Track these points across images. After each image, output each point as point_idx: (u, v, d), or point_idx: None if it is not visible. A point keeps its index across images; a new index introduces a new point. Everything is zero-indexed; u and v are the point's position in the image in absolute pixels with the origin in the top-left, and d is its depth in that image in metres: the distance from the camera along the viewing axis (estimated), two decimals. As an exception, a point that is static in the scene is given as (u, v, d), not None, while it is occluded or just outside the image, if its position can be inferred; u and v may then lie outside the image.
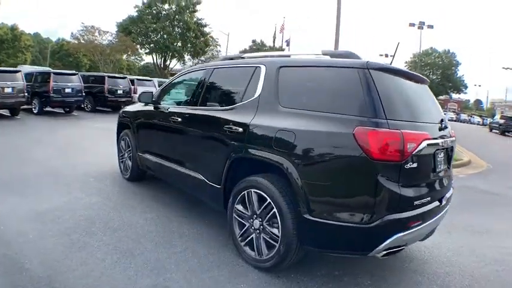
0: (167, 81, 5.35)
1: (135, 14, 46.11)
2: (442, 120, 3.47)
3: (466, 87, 60.66)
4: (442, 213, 3.32)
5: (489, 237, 4.81)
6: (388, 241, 2.74)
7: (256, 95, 3.55)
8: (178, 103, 5.00)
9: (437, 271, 3.67)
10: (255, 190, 3.30)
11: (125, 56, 48.42)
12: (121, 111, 6.16)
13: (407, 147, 2.75)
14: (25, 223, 3.95)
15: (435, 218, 3.18)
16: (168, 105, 4.97)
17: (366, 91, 2.84)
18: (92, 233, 3.84)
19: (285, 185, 3.12)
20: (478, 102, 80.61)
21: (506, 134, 30.33)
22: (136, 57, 51.83)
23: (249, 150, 3.38)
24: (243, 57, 4.37)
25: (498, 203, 6.86)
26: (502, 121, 32.41)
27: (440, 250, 4.14)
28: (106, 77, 17.11)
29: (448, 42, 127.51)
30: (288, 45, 44.22)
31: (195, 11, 49.64)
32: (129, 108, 6.04)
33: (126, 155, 5.78)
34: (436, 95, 50.03)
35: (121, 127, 6.00)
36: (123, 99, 17.04)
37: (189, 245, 3.74)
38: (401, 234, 2.78)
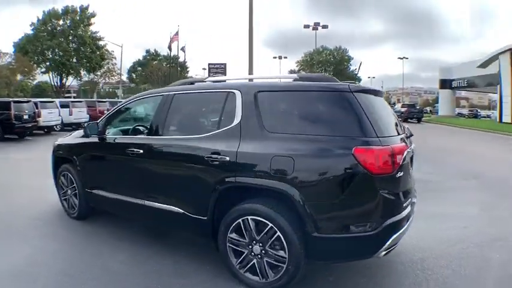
0: (111, 110, 4.95)
1: (31, 32, 44.72)
2: (404, 129, 3.85)
3: (359, 80, 66.05)
4: (414, 208, 3.68)
5: (440, 220, 5.31)
6: (388, 242, 3.02)
7: (236, 121, 3.48)
8: (134, 132, 4.76)
9: (413, 258, 4.01)
10: (253, 217, 3.27)
11: (19, 77, 44.82)
12: (56, 144, 5.60)
13: (397, 159, 3.04)
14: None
15: (412, 214, 3.53)
16: (118, 135, 4.73)
17: (354, 113, 3.08)
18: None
19: (286, 209, 3.17)
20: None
21: (409, 120, 33.62)
22: (29, 77, 47.95)
23: (241, 178, 3.33)
24: (204, 81, 4.30)
25: (427, 189, 7.54)
26: (403, 109, 36.07)
27: (405, 239, 4.34)
28: (12, 103, 15.62)
29: (345, 40, 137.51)
30: (183, 51, 43.99)
31: (89, 24, 47.85)
32: (66, 140, 5.49)
33: (69, 191, 5.24)
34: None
35: (59, 161, 5.44)
36: (29, 125, 15.83)
37: (176, 283, 3.51)
38: (397, 234, 3.08)
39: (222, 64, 45.91)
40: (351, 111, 3.09)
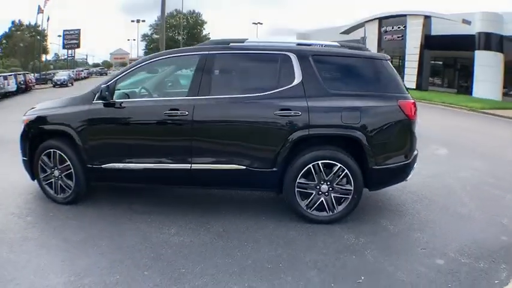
0: (122, 72, 4.47)
1: None
2: None
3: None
4: None
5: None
6: (413, 169, 4.31)
7: (297, 81, 4.01)
8: (163, 94, 4.63)
9: (395, 212, 4.49)
10: (323, 161, 3.93)
11: None
12: (32, 118, 4.63)
13: (416, 109, 4.25)
14: None
15: None
16: (141, 98, 4.55)
17: (392, 76, 4.15)
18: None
19: (351, 150, 3.98)
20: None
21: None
22: None
23: (314, 130, 3.92)
24: (243, 42, 4.39)
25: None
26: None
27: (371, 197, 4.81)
28: None
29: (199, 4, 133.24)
30: (47, 20, 38.53)
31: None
32: (53, 111, 4.61)
33: (56, 173, 4.51)
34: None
35: (37, 138, 4.57)
36: None
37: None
38: (416, 164, 4.37)
39: (76, 30, 42.40)
40: (390, 74, 4.14)
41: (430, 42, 28.84)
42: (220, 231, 3.91)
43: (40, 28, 53.67)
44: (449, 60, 32.00)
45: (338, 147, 3.98)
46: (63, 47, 64.23)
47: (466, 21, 25.83)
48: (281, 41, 4.53)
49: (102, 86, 4.22)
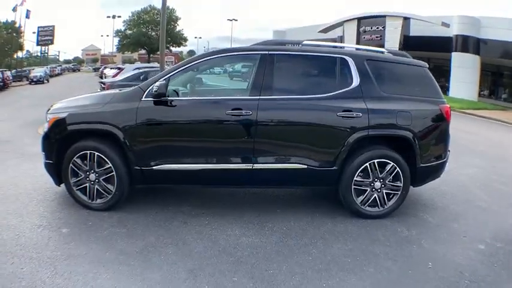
0: (175, 68, 4.24)
1: None
2: None
3: (186, 40, 65.60)
4: None
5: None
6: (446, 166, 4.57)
7: (355, 84, 4.15)
8: (219, 93, 4.60)
9: (428, 206, 4.85)
10: (379, 160, 4.11)
11: None
12: (64, 115, 4.16)
13: None
14: None
15: None
16: (197, 97, 4.51)
17: (432, 82, 4.45)
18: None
19: (402, 149, 4.19)
20: (191, 52, 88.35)
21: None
22: None
23: (373, 130, 4.10)
24: (300, 45, 4.51)
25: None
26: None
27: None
28: None
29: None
30: (27, 17, 37.73)
31: None
32: (93, 108, 4.20)
33: (92, 177, 4.11)
34: (157, 50, 51.89)
35: (69, 139, 4.15)
36: None
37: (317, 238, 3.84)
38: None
39: (50, 26, 41.23)
40: (431, 80, 4.43)
41: (408, 43, 29.28)
42: (284, 230, 3.94)
43: (17, 25, 53.05)
44: (426, 60, 32.59)
45: (389, 147, 4.18)
46: (37, 44, 63.43)
47: (445, 24, 26.59)
48: (336, 45, 4.72)
49: (157, 82, 3.97)
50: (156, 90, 3.90)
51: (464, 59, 26.55)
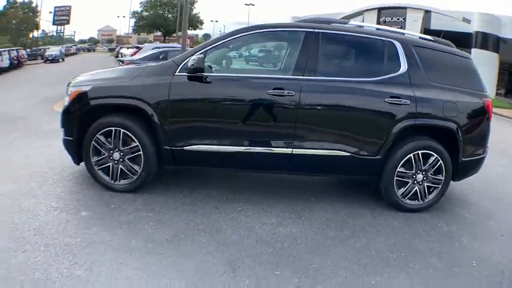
0: (211, 43, 3.93)
1: None
2: None
3: (202, 23, 64.80)
4: None
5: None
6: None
7: (403, 69, 3.90)
8: (258, 71, 4.32)
9: (463, 202, 4.66)
10: (423, 151, 3.87)
11: None
12: (87, 88, 3.81)
13: None
14: None
15: None
16: (235, 74, 4.31)
17: (477, 74, 4.22)
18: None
19: (446, 142, 3.96)
20: (206, 36, 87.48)
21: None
22: None
23: (420, 120, 3.84)
24: (346, 24, 4.24)
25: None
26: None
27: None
28: None
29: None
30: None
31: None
32: (128, 81, 3.80)
33: (116, 156, 3.78)
34: (173, 32, 51.34)
35: (91, 114, 3.81)
36: None
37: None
38: None
39: (67, 7, 41.45)
40: (475, 72, 4.21)
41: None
42: (323, 221, 3.70)
43: (33, 5, 53.39)
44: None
45: (432, 138, 3.95)
46: (53, 23, 63.55)
47: (466, 20, 26.30)
48: (381, 27, 4.36)
49: (193, 56, 3.65)
50: (193, 64, 3.57)
51: (483, 56, 25.80)
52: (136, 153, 3.74)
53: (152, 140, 3.72)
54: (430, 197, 4.02)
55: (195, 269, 2.73)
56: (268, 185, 4.46)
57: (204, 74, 3.68)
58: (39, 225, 3.16)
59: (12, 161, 4.74)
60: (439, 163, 3.91)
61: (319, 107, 3.78)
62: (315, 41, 3.82)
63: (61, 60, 36.57)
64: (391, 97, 3.77)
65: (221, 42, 3.88)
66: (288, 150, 3.73)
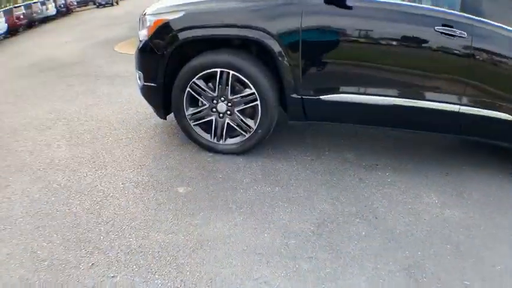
0: None
1: None
2: None
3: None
4: None
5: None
6: None
7: None
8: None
9: None
10: None
11: None
12: (180, 16, 2.74)
13: None
14: None
15: None
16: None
17: None
18: None
19: None
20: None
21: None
22: None
23: None
24: None
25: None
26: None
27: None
28: None
29: None
30: None
31: None
32: (238, 4, 2.72)
33: (222, 107, 2.78)
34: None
35: (182, 51, 2.81)
36: None
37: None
38: None
39: None
40: None
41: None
42: (491, 200, 2.52)
43: None
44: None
45: None
46: None
47: None
48: None
49: None
50: None
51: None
52: (251, 104, 2.73)
53: (274, 86, 2.71)
54: None
55: (366, 281, 1.79)
56: (406, 146, 3.26)
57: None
58: (112, 216, 2.20)
59: (68, 115, 3.80)
60: None
61: (495, 58, 2.66)
62: None
63: (115, 3, 33.92)
64: None
65: None
66: (455, 108, 2.70)
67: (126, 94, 4.25)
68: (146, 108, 3.48)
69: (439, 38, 2.56)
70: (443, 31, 2.53)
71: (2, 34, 16.86)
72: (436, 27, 2.54)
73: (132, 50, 3.73)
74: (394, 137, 3.32)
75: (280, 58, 2.59)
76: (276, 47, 2.57)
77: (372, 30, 2.63)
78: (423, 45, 2.65)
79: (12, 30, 18.12)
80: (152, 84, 2.85)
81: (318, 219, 2.21)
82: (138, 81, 3.01)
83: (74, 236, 2.04)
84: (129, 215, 2.20)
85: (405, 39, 2.62)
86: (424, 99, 2.70)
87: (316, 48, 2.63)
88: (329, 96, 2.65)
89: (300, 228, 2.12)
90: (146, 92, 2.97)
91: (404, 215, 2.32)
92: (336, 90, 2.65)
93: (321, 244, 2.01)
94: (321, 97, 2.65)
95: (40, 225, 2.13)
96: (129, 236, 2.03)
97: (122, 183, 2.52)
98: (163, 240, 1.99)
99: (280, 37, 2.55)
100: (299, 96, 2.67)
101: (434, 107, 2.66)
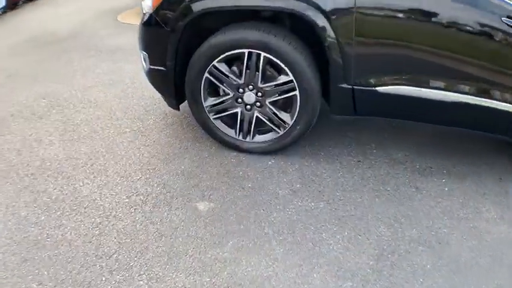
0: None
1: None
2: None
3: None
4: None
5: None
6: None
7: None
8: None
9: None
10: None
11: None
12: None
13: None
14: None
15: None
16: None
17: None
18: None
19: None
20: None
21: None
22: None
23: None
24: None
25: None
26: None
27: None
28: None
29: None
30: None
31: None
32: None
33: (250, 97, 2.25)
34: None
35: (201, 27, 2.29)
36: None
37: None
38: None
39: None
40: None
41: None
42: None
43: None
44: None
45: None
46: None
47: None
48: None
49: None
50: None
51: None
52: (288, 94, 2.20)
53: (318, 74, 2.21)
54: None
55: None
56: (451, 142, 2.71)
57: None
58: (115, 247, 1.76)
59: (63, 101, 3.24)
60: None
61: None
62: None
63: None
64: None
65: None
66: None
67: (129, 72, 3.71)
68: (154, 92, 2.94)
69: (504, 28, 2.08)
70: (508, 22, 2.06)
71: (1, 9, 16.09)
72: (502, 18, 2.08)
73: (135, 20, 3.16)
74: (432, 132, 2.79)
75: (329, 39, 2.03)
76: (325, 25, 2.00)
77: (446, 13, 2.08)
78: (487, 36, 2.16)
79: (12, 4, 17.38)
80: (160, 68, 2.31)
81: (376, 248, 1.75)
82: (144, 63, 2.46)
83: (68, 276, 1.59)
84: (138, 246, 1.72)
85: (471, 30, 2.10)
86: (493, 98, 2.23)
87: (376, 29, 2.07)
88: (388, 88, 2.12)
89: (355, 264, 1.66)
90: (153, 78, 2.45)
91: (467, 236, 1.95)
92: (397, 82, 2.12)
93: (383, 286, 1.55)
94: (377, 88, 2.12)
95: (28, 258, 1.68)
96: (139, 278, 1.56)
97: (127, 197, 2.03)
98: (184, 285, 1.51)
99: (330, 13, 1.98)
100: (349, 86, 2.14)
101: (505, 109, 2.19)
